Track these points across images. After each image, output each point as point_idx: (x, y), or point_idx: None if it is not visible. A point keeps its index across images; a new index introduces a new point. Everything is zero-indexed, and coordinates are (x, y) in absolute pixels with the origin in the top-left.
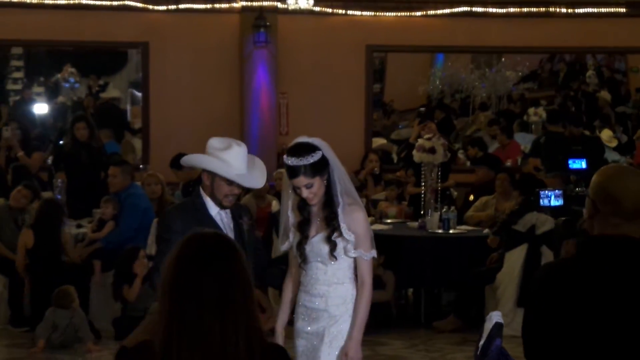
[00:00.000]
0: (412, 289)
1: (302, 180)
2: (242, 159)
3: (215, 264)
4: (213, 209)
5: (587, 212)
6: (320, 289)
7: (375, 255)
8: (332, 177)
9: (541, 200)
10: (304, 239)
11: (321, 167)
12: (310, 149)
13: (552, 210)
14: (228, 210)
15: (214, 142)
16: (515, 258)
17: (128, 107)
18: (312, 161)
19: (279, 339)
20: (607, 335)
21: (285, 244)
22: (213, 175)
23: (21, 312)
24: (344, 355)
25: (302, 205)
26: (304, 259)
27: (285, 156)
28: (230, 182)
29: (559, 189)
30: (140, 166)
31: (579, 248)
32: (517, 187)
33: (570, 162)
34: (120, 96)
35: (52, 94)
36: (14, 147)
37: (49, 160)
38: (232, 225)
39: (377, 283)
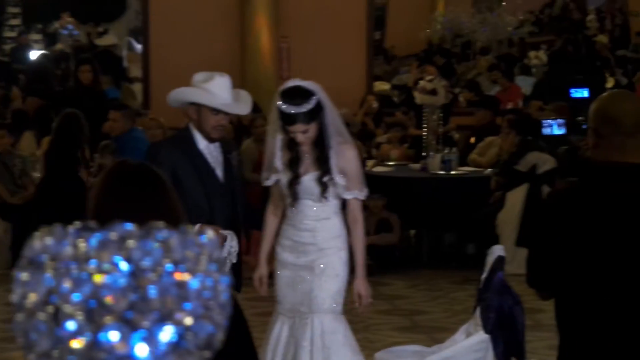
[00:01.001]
0: (414, 230)
1: (299, 127)
2: (226, 88)
3: (137, 197)
4: (201, 143)
5: (590, 141)
6: (308, 224)
7: (367, 194)
8: (325, 120)
9: (543, 130)
10: (294, 177)
11: (317, 113)
12: (307, 94)
13: (554, 139)
14: (218, 145)
15: (197, 76)
16: (516, 198)
17: (124, 54)
18: (309, 108)
19: (263, 269)
20: (612, 261)
21: (269, 179)
22: (199, 107)
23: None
24: (357, 295)
25: (292, 144)
26: (294, 196)
27: (279, 101)
28: (216, 112)
29: (561, 119)
30: (142, 111)
31: (586, 175)
32: (514, 127)
33: (572, 91)
34: (117, 43)
35: (50, 41)
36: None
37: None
38: (220, 160)
39: (385, 226)
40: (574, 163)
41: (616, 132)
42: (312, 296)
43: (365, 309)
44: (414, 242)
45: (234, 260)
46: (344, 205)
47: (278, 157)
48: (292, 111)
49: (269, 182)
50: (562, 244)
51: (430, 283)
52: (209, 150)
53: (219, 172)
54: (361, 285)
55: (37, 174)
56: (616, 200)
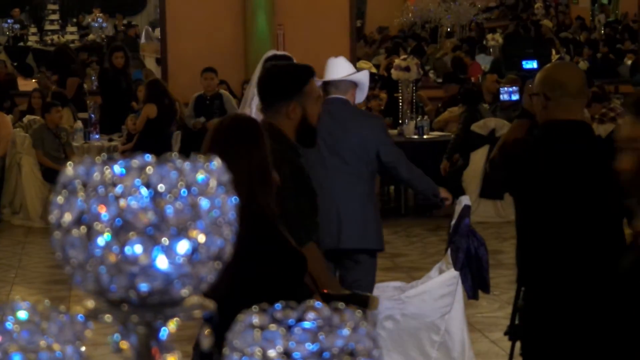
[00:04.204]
0: (393, 186)
1: None
2: None
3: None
4: None
5: (538, 106)
6: None
7: None
8: None
9: (501, 96)
10: None
11: None
12: (289, 57)
13: (511, 104)
14: None
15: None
16: (478, 157)
17: (141, 40)
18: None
19: None
20: (562, 203)
21: None
22: (355, 87)
23: None
24: None
25: None
26: None
27: (267, 62)
28: None
29: (515, 86)
30: None
31: (542, 130)
32: (461, 100)
33: (524, 62)
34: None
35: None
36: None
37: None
38: None
39: None
40: None
41: (563, 95)
42: None
43: None
44: (394, 197)
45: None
46: None
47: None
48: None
49: None
50: (520, 185)
51: (408, 230)
52: None
53: None
54: None
55: (75, 144)
56: (565, 152)
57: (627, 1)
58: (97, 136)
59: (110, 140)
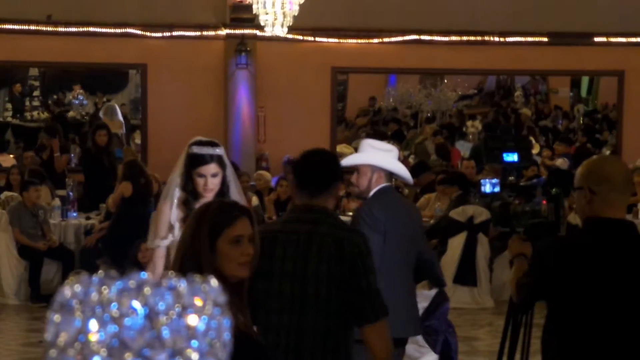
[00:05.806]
0: None
1: (212, 167)
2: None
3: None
4: None
5: (582, 200)
6: None
7: None
8: (227, 176)
9: (482, 187)
10: None
11: (224, 163)
12: (216, 144)
13: (492, 195)
14: None
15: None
16: (456, 243)
17: (101, 115)
18: (221, 153)
19: None
20: (608, 308)
21: (160, 240)
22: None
23: (39, 290)
24: None
25: (188, 201)
26: None
27: (192, 147)
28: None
29: (495, 179)
30: None
31: (585, 228)
32: (455, 182)
33: (504, 155)
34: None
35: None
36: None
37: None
38: None
39: None
40: (506, 216)
41: (610, 190)
42: None
43: None
44: None
45: None
46: None
47: (175, 215)
48: (208, 152)
49: (163, 243)
50: (561, 293)
51: None
52: None
53: None
54: None
55: (52, 221)
56: (611, 253)
57: (607, 92)
58: (74, 214)
59: (88, 218)
